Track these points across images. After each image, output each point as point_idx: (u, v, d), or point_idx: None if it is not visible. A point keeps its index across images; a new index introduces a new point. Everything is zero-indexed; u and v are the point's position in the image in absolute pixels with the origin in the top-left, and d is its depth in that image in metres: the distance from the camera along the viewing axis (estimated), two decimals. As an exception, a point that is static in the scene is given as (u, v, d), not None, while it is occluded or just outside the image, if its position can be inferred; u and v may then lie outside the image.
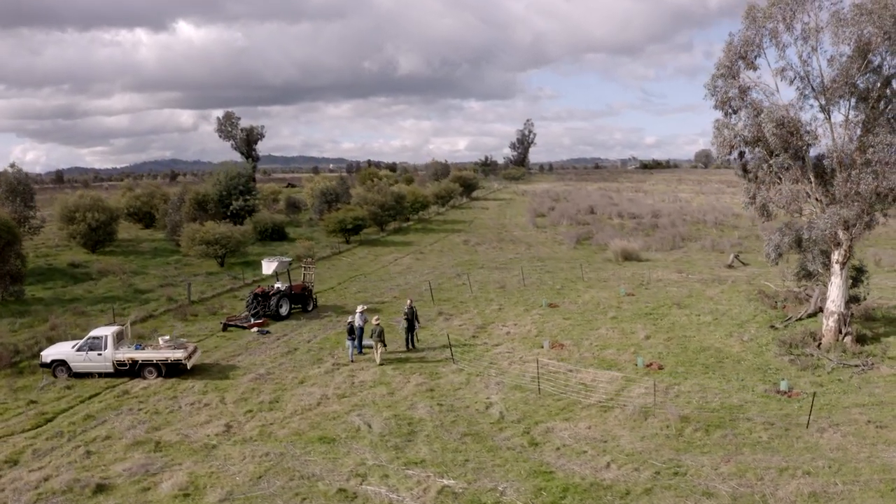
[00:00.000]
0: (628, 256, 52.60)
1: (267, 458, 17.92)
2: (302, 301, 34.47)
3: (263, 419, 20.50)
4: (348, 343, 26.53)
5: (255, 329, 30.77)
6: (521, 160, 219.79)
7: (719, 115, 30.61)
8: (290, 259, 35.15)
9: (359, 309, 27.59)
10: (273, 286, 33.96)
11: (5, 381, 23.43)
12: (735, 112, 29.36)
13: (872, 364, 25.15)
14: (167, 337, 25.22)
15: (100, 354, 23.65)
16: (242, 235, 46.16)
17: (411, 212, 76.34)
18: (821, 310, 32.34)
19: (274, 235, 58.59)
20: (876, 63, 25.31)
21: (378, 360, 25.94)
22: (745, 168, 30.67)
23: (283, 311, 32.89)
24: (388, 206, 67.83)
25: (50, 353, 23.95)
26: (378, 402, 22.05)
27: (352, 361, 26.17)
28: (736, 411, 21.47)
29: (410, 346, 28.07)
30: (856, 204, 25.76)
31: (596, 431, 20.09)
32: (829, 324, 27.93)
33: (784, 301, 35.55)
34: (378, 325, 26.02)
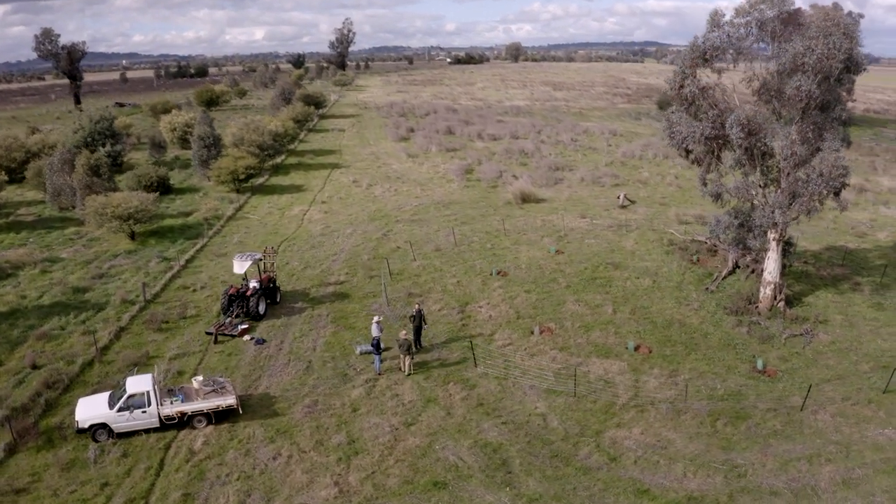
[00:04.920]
0: (526, 198, 55.69)
1: (406, 519, 18.92)
2: (271, 295, 33.54)
3: (361, 468, 21.09)
4: (374, 356, 27.15)
5: (247, 337, 29.83)
6: (340, 62, 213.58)
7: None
8: (260, 255, 33.69)
9: (375, 319, 27.96)
10: (244, 284, 32.66)
11: (48, 458, 21.19)
12: (691, 104, 32.42)
13: (812, 332, 30.52)
14: (200, 377, 24.06)
15: (144, 412, 22.21)
16: (154, 204, 42.58)
17: (283, 145, 73.33)
18: (737, 266, 37.79)
19: (159, 189, 53.98)
20: (827, 74, 28.99)
21: (406, 371, 26.91)
22: (687, 150, 34.22)
23: (262, 309, 31.97)
24: (267, 146, 64.79)
25: (87, 418, 21.80)
26: (447, 429, 23.38)
27: (379, 374, 26.87)
28: (740, 398, 25.61)
29: (419, 346, 29.17)
30: (804, 198, 30.17)
31: (650, 436, 23.19)
32: (766, 292, 33.00)
33: (698, 254, 40.73)
34: (406, 339, 26.79)
